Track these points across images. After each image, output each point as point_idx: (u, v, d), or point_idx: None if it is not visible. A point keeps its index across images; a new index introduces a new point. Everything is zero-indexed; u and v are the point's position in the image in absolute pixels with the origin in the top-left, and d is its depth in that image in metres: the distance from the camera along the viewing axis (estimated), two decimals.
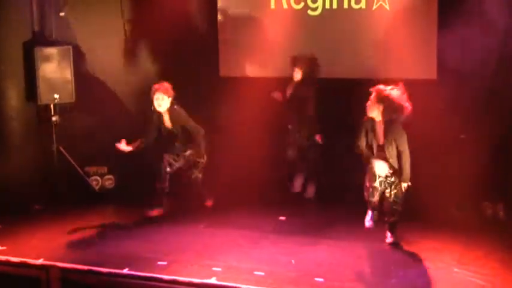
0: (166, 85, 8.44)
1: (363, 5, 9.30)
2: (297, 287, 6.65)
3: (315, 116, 9.02)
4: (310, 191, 9.26)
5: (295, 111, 9.04)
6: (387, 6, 9.17)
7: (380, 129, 7.34)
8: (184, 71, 9.96)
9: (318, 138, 8.99)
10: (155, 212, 8.51)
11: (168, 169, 8.46)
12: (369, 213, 7.52)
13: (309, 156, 9.14)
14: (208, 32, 10.07)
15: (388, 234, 7.60)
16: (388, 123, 7.26)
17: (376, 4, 9.22)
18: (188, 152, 8.55)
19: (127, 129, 9.10)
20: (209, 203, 8.96)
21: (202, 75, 10.06)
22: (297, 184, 9.34)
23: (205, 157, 8.63)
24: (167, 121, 8.53)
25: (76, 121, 9.74)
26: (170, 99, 8.43)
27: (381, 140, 7.33)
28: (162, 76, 9.56)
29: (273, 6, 9.66)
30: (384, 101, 7.21)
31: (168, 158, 8.46)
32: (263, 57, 9.68)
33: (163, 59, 10.03)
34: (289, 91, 9.11)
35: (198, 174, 8.69)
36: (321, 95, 9.20)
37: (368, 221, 7.53)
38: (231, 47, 9.96)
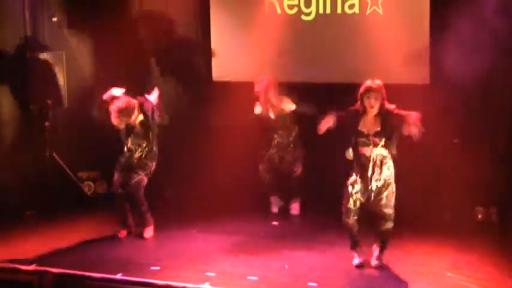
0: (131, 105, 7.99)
1: (356, 9, 9.30)
2: None
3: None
4: (295, 207, 9.08)
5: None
6: (381, 11, 9.18)
7: (369, 120, 7.06)
8: (177, 75, 9.96)
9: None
10: (123, 233, 8.22)
11: (120, 190, 8.12)
12: (355, 255, 7.27)
13: (292, 174, 8.99)
14: (201, 36, 10.06)
15: (376, 252, 7.27)
16: (382, 114, 7.06)
17: (370, 9, 9.24)
18: (138, 154, 8.12)
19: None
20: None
21: (195, 79, 10.06)
22: (275, 205, 9.18)
23: (154, 164, 8.16)
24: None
25: (69, 126, 9.72)
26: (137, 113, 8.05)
27: (372, 130, 7.04)
28: (155, 80, 9.57)
29: (266, 10, 9.66)
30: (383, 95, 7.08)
31: (118, 177, 8.12)
32: (256, 62, 9.67)
33: (156, 63, 10.02)
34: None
35: (143, 177, 8.08)
36: (314, 100, 9.21)
37: (357, 259, 7.26)
38: (224, 52, 9.96)
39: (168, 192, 9.52)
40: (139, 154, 8.16)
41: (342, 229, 7.34)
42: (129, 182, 8.09)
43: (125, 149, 8.19)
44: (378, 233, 7.22)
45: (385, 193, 7.09)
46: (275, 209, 9.14)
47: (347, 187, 7.14)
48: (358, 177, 7.11)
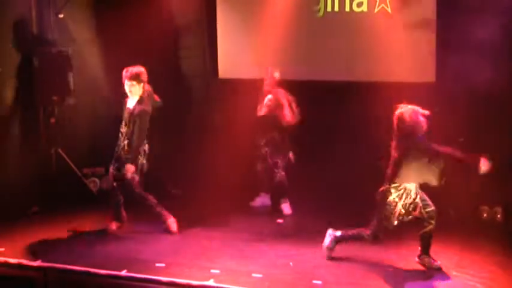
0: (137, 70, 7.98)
1: (364, 8, 9.32)
2: None
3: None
4: (286, 207, 9.00)
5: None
6: (389, 9, 9.18)
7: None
8: (183, 73, 9.96)
9: (290, 156, 8.94)
10: (114, 226, 8.23)
11: (115, 184, 8.10)
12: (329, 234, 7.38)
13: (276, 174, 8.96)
14: (207, 34, 10.06)
15: (425, 258, 7.14)
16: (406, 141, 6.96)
17: (378, 7, 9.24)
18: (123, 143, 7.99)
19: None
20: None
21: (201, 77, 10.07)
22: (260, 201, 9.20)
23: (144, 160, 8.02)
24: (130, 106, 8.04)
25: (75, 123, 9.74)
26: (142, 84, 8.00)
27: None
28: (160, 78, 9.56)
29: (273, 8, 9.63)
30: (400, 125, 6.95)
31: (112, 170, 8.07)
32: (263, 60, 9.66)
33: (162, 61, 10.02)
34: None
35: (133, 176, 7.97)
36: (321, 98, 9.21)
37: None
38: (230, 49, 9.96)
39: (175, 189, 9.52)
40: (124, 142, 8.01)
41: (348, 227, 7.35)
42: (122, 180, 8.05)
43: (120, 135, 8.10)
44: (420, 235, 7.13)
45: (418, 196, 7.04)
46: (255, 204, 9.13)
47: (389, 206, 7.04)
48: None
